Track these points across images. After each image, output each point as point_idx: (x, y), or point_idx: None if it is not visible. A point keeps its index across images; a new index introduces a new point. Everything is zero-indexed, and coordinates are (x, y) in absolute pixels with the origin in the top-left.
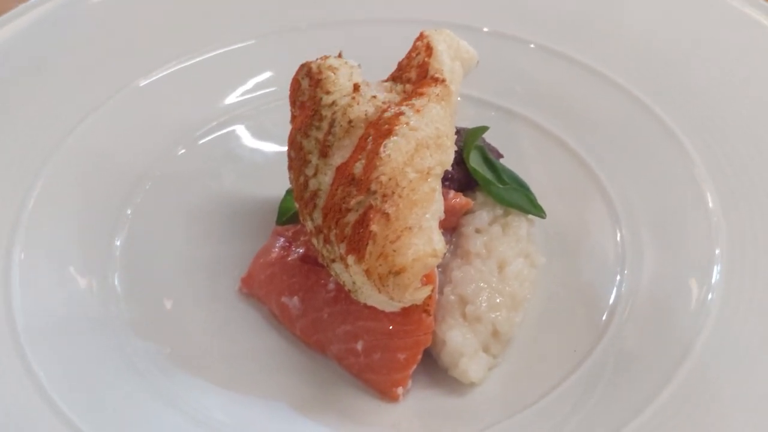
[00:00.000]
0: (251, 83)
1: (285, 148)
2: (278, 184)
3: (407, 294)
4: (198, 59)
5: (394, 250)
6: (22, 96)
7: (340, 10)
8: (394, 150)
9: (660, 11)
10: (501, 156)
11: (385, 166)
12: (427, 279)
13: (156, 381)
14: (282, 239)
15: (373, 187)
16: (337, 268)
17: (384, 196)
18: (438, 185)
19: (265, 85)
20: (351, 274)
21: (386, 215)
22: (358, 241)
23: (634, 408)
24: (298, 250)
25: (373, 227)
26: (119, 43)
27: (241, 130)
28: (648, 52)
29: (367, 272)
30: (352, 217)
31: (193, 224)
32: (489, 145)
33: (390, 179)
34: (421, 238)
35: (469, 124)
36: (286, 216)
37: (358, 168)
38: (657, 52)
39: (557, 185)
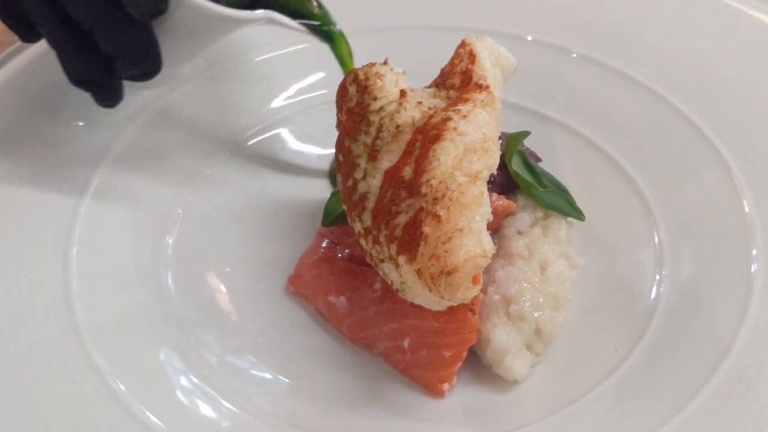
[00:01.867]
0: (294, 88)
1: (327, 152)
2: (321, 186)
3: (459, 293)
4: (246, 62)
5: (446, 251)
6: (74, 97)
7: (379, 18)
8: (444, 154)
9: (701, 24)
10: (540, 160)
11: (434, 170)
12: (474, 278)
13: (209, 374)
14: (327, 240)
15: (424, 190)
16: (387, 267)
17: (434, 198)
18: (485, 188)
19: (307, 90)
20: (401, 273)
21: (437, 217)
22: (409, 242)
23: (674, 407)
24: (343, 250)
25: (425, 229)
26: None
27: (285, 133)
28: (687, 63)
29: (419, 272)
30: (402, 219)
31: (241, 224)
32: (528, 149)
33: (440, 183)
34: (472, 240)
35: (509, 129)
36: (331, 218)
37: (407, 172)
38: (696, 64)
39: (595, 189)
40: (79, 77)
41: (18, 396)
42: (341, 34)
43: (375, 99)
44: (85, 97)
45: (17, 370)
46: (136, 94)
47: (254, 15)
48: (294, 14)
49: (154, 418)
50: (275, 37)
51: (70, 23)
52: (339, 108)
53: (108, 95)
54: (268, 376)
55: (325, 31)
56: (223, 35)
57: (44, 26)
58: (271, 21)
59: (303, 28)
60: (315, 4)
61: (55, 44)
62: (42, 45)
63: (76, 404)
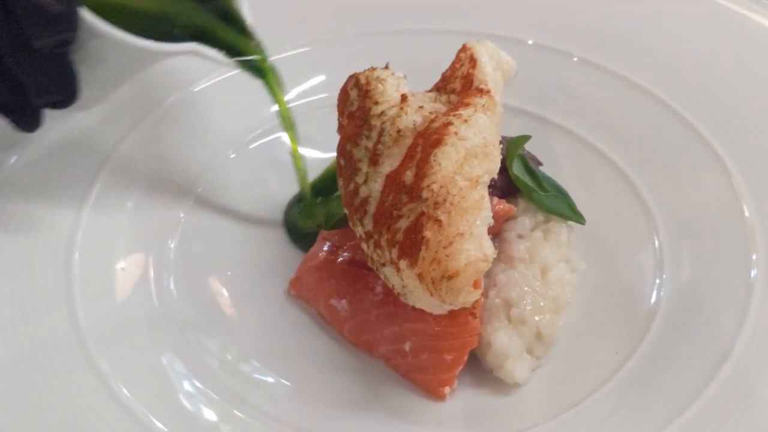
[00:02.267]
0: (294, 92)
1: (328, 155)
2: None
3: (460, 297)
4: None
5: (447, 255)
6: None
7: (380, 22)
8: (445, 159)
9: (702, 27)
10: (540, 164)
11: (435, 175)
12: (475, 282)
13: (211, 378)
14: (329, 243)
15: (425, 194)
16: (388, 271)
17: (436, 203)
18: (486, 193)
19: (308, 93)
20: (402, 277)
21: (438, 222)
22: (410, 246)
23: (674, 410)
24: (344, 254)
25: (426, 233)
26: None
27: (286, 137)
28: (687, 67)
29: (420, 276)
30: (403, 223)
31: (242, 228)
32: (529, 153)
33: (441, 187)
34: (473, 244)
35: (510, 133)
36: (333, 221)
37: (408, 176)
38: (696, 67)
39: (595, 192)
40: None
41: (20, 400)
42: (272, 68)
43: (376, 103)
44: None
45: (20, 374)
46: (139, 99)
47: (177, 48)
48: (224, 46)
49: (156, 422)
50: (274, 41)
51: None
52: (340, 112)
53: (25, 121)
54: (270, 379)
55: (255, 66)
56: (150, 65)
57: None
58: (196, 54)
59: (231, 62)
60: (249, 35)
61: None
62: None
63: (78, 408)
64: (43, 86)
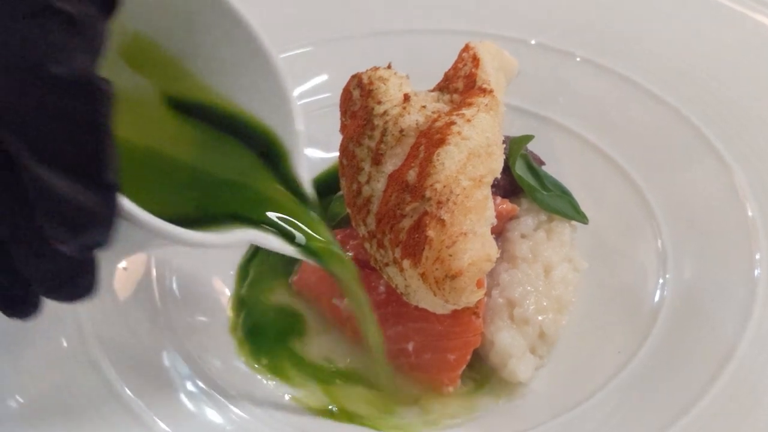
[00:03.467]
0: (296, 92)
1: (330, 155)
2: (325, 190)
3: (463, 297)
4: None
5: (450, 255)
6: None
7: (383, 22)
8: (448, 158)
9: (705, 28)
10: (543, 163)
11: (439, 174)
12: (478, 282)
13: (214, 379)
14: None
15: (428, 194)
16: (391, 271)
17: (439, 202)
18: (489, 192)
19: (310, 93)
20: (406, 277)
21: (442, 221)
22: (413, 246)
23: (678, 410)
24: (347, 253)
25: (430, 233)
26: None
27: None
28: (690, 67)
29: (423, 276)
30: (406, 223)
31: None
32: (531, 152)
33: (444, 187)
34: (476, 243)
35: (512, 132)
36: (335, 221)
37: (411, 176)
38: (699, 67)
39: (598, 192)
40: None
41: (23, 402)
42: (341, 257)
43: (379, 103)
44: None
45: (23, 377)
46: None
47: (230, 239)
48: (286, 233)
49: (160, 423)
50: (277, 41)
51: None
52: (343, 112)
53: (20, 310)
54: (271, 379)
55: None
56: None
57: None
58: (253, 243)
59: (297, 252)
60: (309, 206)
61: None
62: None
63: (82, 409)
64: (55, 285)
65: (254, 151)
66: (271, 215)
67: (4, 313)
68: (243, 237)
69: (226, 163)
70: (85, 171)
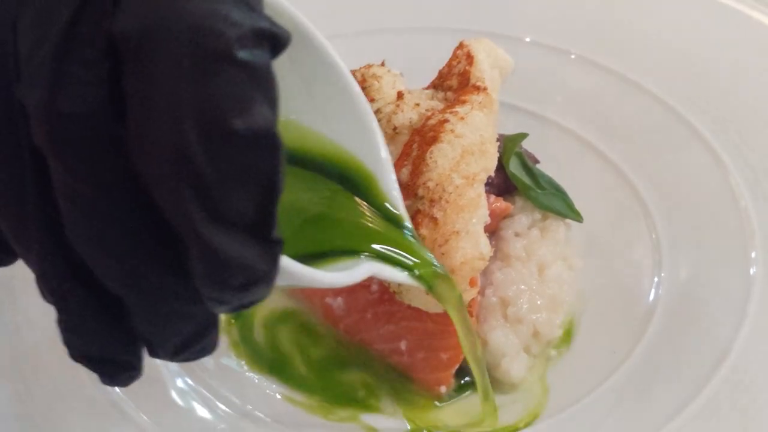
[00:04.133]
0: None
1: None
2: None
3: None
4: None
5: (443, 254)
6: None
7: (376, 19)
8: (441, 156)
9: (701, 26)
10: (537, 161)
11: (431, 172)
12: (471, 281)
13: (204, 377)
14: None
15: (421, 192)
16: None
17: (431, 201)
18: (482, 191)
19: None
20: None
21: (434, 219)
22: None
23: (672, 409)
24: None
25: (422, 231)
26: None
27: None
28: (686, 65)
29: None
30: None
31: None
32: (526, 151)
33: (437, 185)
34: (469, 242)
35: (506, 131)
36: None
37: (404, 174)
38: (696, 65)
39: (593, 190)
40: (85, 353)
41: (11, 396)
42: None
43: (372, 100)
44: None
45: (12, 371)
46: None
47: (355, 276)
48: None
49: (148, 420)
50: None
51: (84, 275)
52: None
53: (120, 376)
54: (264, 378)
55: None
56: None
57: (41, 268)
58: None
59: (409, 279)
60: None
61: (53, 296)
62: None
63: (69, 406)
64: (176, 345)
65: (336, 181)
66: (377, 246)
67: (103, 380)
68: (366, 271)
69: (323, 199)
70: (259, 230)
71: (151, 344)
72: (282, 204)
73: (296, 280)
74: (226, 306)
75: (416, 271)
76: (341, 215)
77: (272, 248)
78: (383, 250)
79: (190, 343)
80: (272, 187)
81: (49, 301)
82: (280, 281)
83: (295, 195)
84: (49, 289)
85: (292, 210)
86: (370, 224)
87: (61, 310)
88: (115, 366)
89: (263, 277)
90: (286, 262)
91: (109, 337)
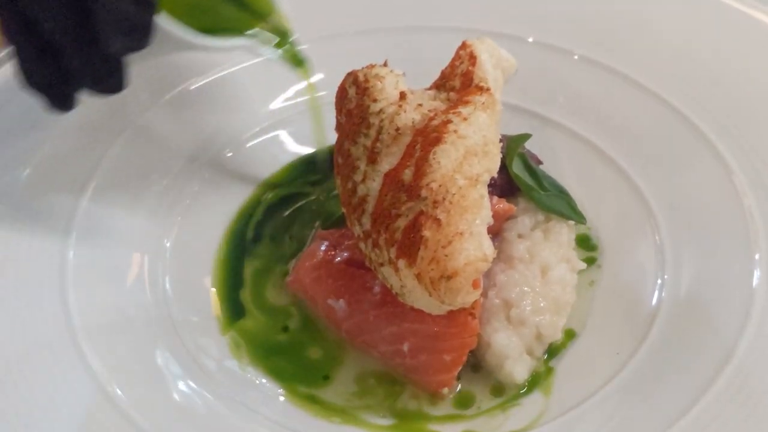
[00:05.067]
0: (292, 90)
1: None
2: (320, 189)
3: (459, 297)
4: (244, 64)
5: (446, 255)
6: None
7: (379, 19)
8: (444, 157)
9: (704, 26)
10: (540, 162)
11: (435, 173)
12: (475, 282)
13: (207, 379)
14: (326, 243)
15: (424, 193)
16: (386, 271)
17: (435, 202)
18: (486, 192)
19: (306, 91)
20: (401, 277)
21: (437, 221)
22: (409, 246)
23: (676, 412)
24: (342, 253)
25: (425, 232)
26: (170, 47)
27: (284, 135)
28: (689, 66)
29: (419, 276)
30: (402, 223)
31: (239, 227)
32: (529, 151)
33: (440, 186)
34: (472, 243)
35: (510, 131)
36: (330, 220)
37: (407, 174)
38: (698, 66)
39: (596, 192)
40: (33, 83)
41: (13, 399)
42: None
43: (375, 101)
44: (83, 99)
45: (14, 373)
46: (135, 97)
47: (225, 43)
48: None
49: (151, 423)
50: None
51: (36, 30)
52: (338, 110)
53: (61, 104)
54: (265, 380)
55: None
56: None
57: (9, 26)
58: (251, 51)
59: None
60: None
61: (16, 45)
62: None
63: (72, 409)
64: (94, 79)
65: None
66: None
67: (49, 106)
68: (235, 43)
69: None
70: None
71: (76, 78)
72: None
73: (177, 39)
74: (113, 47)
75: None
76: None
77: (149, 8)
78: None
79: (102, 79)
80: None
81: (12, 43)
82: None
83: None
84: (9, 37)
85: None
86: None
87: (19, 53)
88: (57, 96)
89: (142, 25)
90: (161, 19)
91: (50, 72)
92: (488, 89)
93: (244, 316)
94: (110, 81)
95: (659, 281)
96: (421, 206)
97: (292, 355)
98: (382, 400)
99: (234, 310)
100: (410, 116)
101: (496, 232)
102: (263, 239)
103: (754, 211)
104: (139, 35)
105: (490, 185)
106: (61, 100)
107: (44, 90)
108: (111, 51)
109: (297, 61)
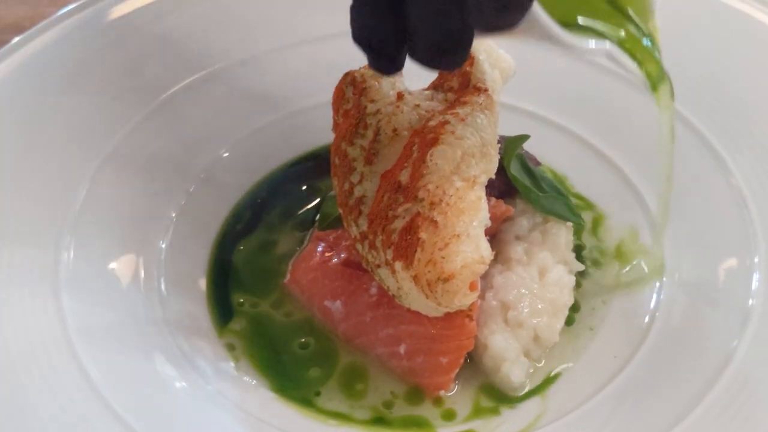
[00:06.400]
0: (288, 91)
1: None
2: (317, 190)
3: (455, 300)
4: (243, 64)
5: (443, 257)
6: (65, 102)
7: None
8: (441, 158)
9: (705, 27)
10: (539, 164)
11: (432, 175)
12: (472, 284)
13: (202, 382)
14: (323, 244)
15: (421, 194)
16: (383, 273)
17: (432, 203)
18: (483, 193)
19: (302, 91)
20: (398, 279)
21: (434, 222)
22: (406, 248)
23: (675, 416)
24: (339, 254)
25: (422, 234)
26: (162, 47)
27: (280, 134)
28: (689, 67)
29: (415, 278)
30: (399, 224)
31: (235, 227)
32: (527, 153)
33: (437, 187)
34: (469, 246)
35: (508, 132)
36: (327, 221)
37: (404, 176)
38: (699, 67)
39: (594, 193)
40: (363, 37)
41: (7, 401)
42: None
43: (372, 101)
44: (78, 100)
45: (8, 375)
46: (129, 98)
47: (596, 48)
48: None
49: (145, 425)
50: (270, 39)
51: None
52: (335, 110)
53: (386, 64)
54: (261, 382)
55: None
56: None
57: None
58: (611, 58)
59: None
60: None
61: None
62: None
63: (66, 412)
64: (438, 48)
65: None
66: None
67: (371, 62)
68: (601, 50)
69: None
70: None
71: (414, 41)
72: None
73: (542, 24)
74: (483, 21)
75: (645, 67)
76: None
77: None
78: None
79: (444, 48)
80: None
81: None
82: (529, 24)
83: None
84: None
85: None
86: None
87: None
88: (383, 51)
89: (519, 4)
90: (536, 6)
91: (384, 30)
92: (486, 90)
93: (240, 319)
94: (452, 56)
95: (657, 284)
96: (418, 208)
97: (288, 362)
98: (378, 403)
99: (228, 312)
100: (407, 117)
101: (493, 234)
102: (260, 239)
103: (753, 214)
104: (512, 11)
105: (488, 187)
106: (385, 60)
107: (369, 48)
108: (469, 20)
109: (660, 77)
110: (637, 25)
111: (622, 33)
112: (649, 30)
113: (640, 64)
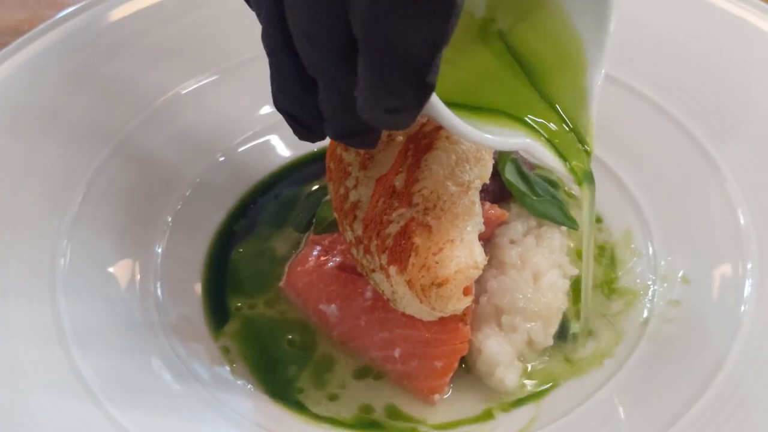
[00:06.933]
0: None
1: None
2: (313, 194)
3: (449, 305)
4: (236, 68)
5: (437, 262)
6: (63, 106)
7: None
8: (435, 163)
9: (700, 31)
10: (533, 168)
11: (426, 180)
12: (466, 289)
13: (198, 386)
14: (318, 248)
15: (415, 199)
16: (377, 277)
17: (426, 208)
18: (477, 198)
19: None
20: (392, 284)
21: (428, 227)
22: (400, 253)
23: (668, 419)
24: (334, 258)
25: (416, 239)
26: (160, 51)
27: (275, 140)
28: (684, 72)
29: (409, 283)
30: (393, 229)
31: (231, 232)
32: (522, 157)
33: (432, 192)
34: (463, 251)
35: None
36: (322, 225)
37: (398, 181)
38: (693, 71)
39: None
40: (283, 109)
41: (2, 405)
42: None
43: None
44: (75, 104)
45: (3, 379)
46: (126, 102)
47: (511, 143)
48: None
49: (140, 430)
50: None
51: (293, 51)
52: None
53: (308, 135)
54: (257, 387)
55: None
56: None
57: (268, 41)
58: (527, 152)
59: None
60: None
61: (271, 62)
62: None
63: (63, 417)
64: (347, 133)
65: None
66: (535, 119)
67: (295, 133)
68: (520, 143)
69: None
70: (418, 67)
71: (326, 121)
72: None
73: (441, 121)
74: (374, 122)
75: (570, 163)
76: (513, 83)
77: (424, 90)
78: (543, 130)
79: (351, 134)
80: (440, 34)
81: (269, 60)
82: (425, 115)
83: (477, 56)
84: (268, 49)
85: (469, 64)
86: (538, 100)
87: (274, 70)
88: (302, 125)
89: (407, 109)
90: (435, 101)
91: (302, 101)
92: None
93: (235, 322)
94: (362, 140)
95: (652, 288)
96: (412, 213)
97: (282, 363)
98: (372, 408)
99: (224, 315)
100: None
101: (487, 238)
102: (256, 243)
103: (747, 220)
104: (401, 116)
105: (482, 191)
106: (307, 132)
107: (289, 117)
108: (364, 119)
109: (585, 177)
110: (565, 122)
111: (553, 126)
112: (583, 124)
113: (565, 160)
